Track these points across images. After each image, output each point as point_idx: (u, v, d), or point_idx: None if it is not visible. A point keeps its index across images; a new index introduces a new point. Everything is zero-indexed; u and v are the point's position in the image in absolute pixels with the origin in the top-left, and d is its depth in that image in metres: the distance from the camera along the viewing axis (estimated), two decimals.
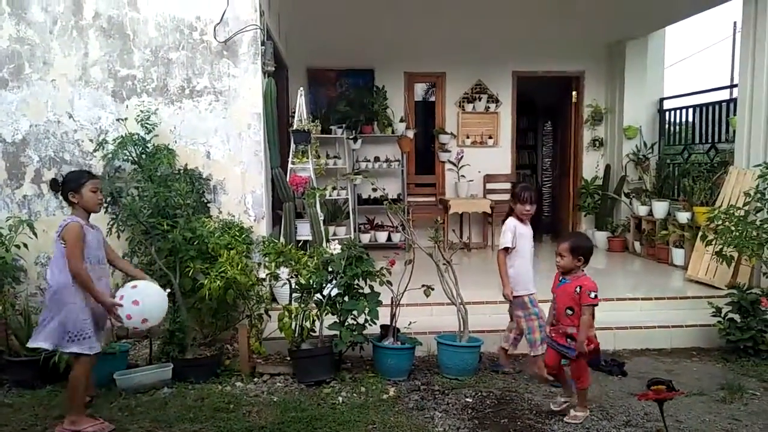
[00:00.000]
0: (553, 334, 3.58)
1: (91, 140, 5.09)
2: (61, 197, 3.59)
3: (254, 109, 5.18)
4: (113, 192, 4.91)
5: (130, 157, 4.89)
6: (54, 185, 3.57)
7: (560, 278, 3.60)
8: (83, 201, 3.50)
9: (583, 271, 3.57)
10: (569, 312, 3.47)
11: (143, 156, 4.88)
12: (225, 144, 5.17)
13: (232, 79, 5.16)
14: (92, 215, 3.64)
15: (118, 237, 4.90)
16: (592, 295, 3.41)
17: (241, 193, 5.19)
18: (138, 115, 4.96)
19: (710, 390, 4.02)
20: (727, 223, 5.09)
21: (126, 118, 5.00)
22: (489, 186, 8.86)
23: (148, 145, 4.93)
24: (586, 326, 3.40)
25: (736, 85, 6.71)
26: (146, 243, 4.68)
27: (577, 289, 3.44)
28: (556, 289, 3.61)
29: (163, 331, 4.38)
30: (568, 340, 3.48)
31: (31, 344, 3.48)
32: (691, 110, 7.97)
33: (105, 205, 4.96)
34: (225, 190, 5.18)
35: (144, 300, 3.50)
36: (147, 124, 4.94)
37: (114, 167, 5.04)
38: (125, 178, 5.02)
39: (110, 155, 4.94)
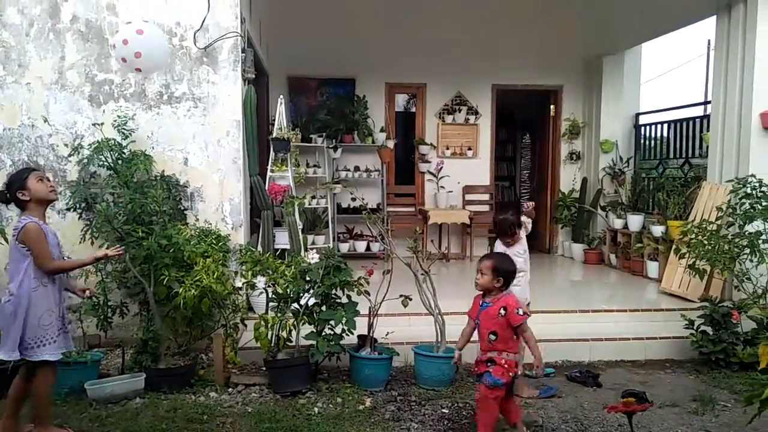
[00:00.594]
0: (474, 366, 3.45)
1: (66, 145, 5.01)
2: (14, 206, 3.36)
3: (233, 117, 5.15)
4: (87, 198, 4.83)
5: (105, 163, 4.83)
6: (2, 197, 3.33)
7: (481, 302, 3.42)
8: (33, 194, 3.28)
9: (502, 291, 3.40)
10: (492, 338, 3.30)
11: (119, 162, 4.82)
12: (203, 151, 5.13)
13: (211, 85, 5.13)
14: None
15: (92, 243, 4.82)
16: (520, 312, 3.28)
17: (219, 200, 5.15)
18: (115, 120, 4.90)
19: (683, 401, 4.07)
20: (699, 237, 5.18)
21: (102, 123, 4.93)
22: (468, 197, 8.91)
23: (125, 150, 4.87)
24: (534, 341, 3.29)
25: (709, 102, 6.86)
26: None
27: (501, 312, 3.28)
28: (478, 315, 3.40)
29: (136, 340, 4.31)
30: (488, 364, 3.31)
31: (3, 357, 3.28)
32: (666, 125, 8.12)
33: (78, 210, 4.89)
34: (202, 197, 5.13)
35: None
36: (124, 129, 4.88)
37: (89, 172, 4.97)
38: (100, 184, 4.94)
39: (85, 160, 4.87)
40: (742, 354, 4.66)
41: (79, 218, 4.90)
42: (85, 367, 4.09)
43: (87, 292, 3.64)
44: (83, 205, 4.85)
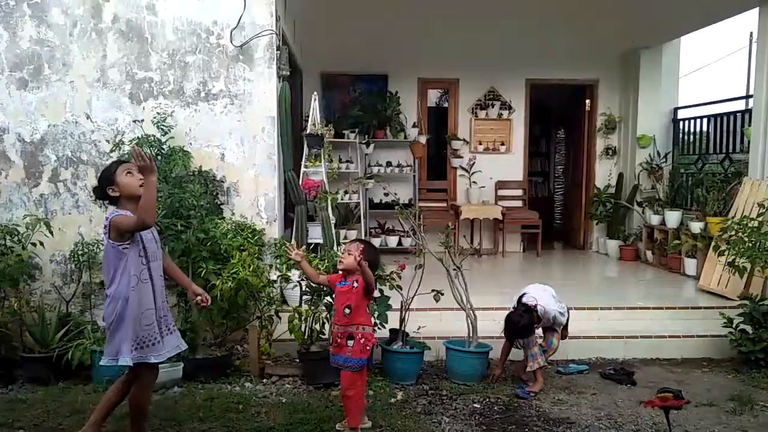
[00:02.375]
0: (333, 350, 3.45)
1: (107, 141, 5.16)
2: (108, 205, 3.13)
3: (268, 113, 5.23)
4: None
5: None
6: (95, 192, 3.15)
7: (338, 281, 3.47)
8: (123, 189, 3.01)
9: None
10: (347, 311, 3.37)
11: (159, 157, 4.94)
12: (239, 147, 5.22)
13: (247, 82, 5.21)
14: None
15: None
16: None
17: (254, 195, 5.24)
18: (154, 117, 5.02)
19: (720, 401, 3.99)
20: (740, 234, 5.05)
21: (142, 120, 5.06)
22: (501, 192, 8.85)
23: (164, 146, 4.99)
24: (368, 272, 3.32)
25: (751, 96, 6.67)
26: (159, 243, 4.73)
27: (354, 284, 3.37)
28: (334, 293, 3.51)
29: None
30: (348, 342, 3.36)
31: (104, 362, 3.04)
32: (705, 120, 7.93)
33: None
34: (238, 192, 5.23)
35: None
36: (163, 126, 5.00)
37: None
38: None
39: (126, 156, 5.01)
40: None
41: None
42: None
43: (200, 297, 3.35)
44: None
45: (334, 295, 3.52)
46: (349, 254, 3.39)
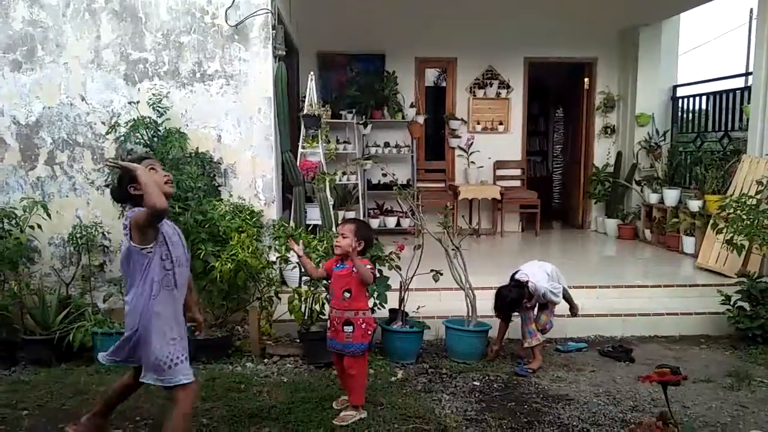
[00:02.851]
0: (330, 335, 3.43)
1: (103, 123, 5.13)
2: (128, 203, 2.76)
3: (265, 94, 5.19)
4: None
5: (142, 140, 4.93)
6: (114, 194, 2.84)
7: (335, 265, 3.45)
8: (148, 184, 2.65)
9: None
10: (347, 295, 3.36)
11: (155, 139, 4.91)
12: (236, 128, 5.19)
13: (242, 63, 5.17)
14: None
15: None
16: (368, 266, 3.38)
17: (252, 176, 5.22)
18: (150, 99, 4.98)
19: (718, 377, 4.03)
20: (738, 212, 5.05)
21: (138, 102, 5.02)
22: (499, 172, 8.84)
23: (160, 128, 4.96)
24: (363, 268, 3.32)
25: (750, 73, 6.63)
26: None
27: (354, 269, 3.35)
28: (331, 278, 3.49)
29: None
30: (345, 328, 3.35)
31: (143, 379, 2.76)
32: (704, 98, 7.89)
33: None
34: (236, 173, 5.21)
35: None
36: (159, 107, 4.96)
37: (126, 150, 5.07)
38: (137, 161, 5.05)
39: (122, 138, 4.98)
40: None
41: None
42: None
43: (198, 328, 3.20)
44: None
45: (331, 280, 3.50)
46: (344, 237, 3.38)
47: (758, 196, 5.29)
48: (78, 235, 4.83)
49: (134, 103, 5.03)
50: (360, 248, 3.40)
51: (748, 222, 4.92)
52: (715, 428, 3.29)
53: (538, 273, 4.25)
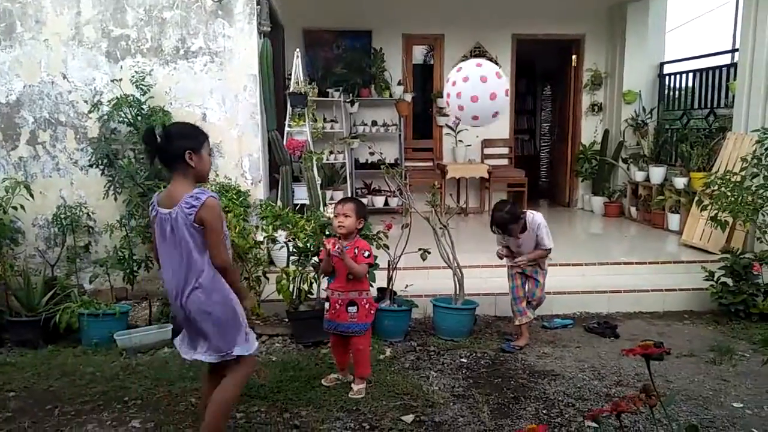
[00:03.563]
0: (329, 316, 3.45)
1: (86, 101, 5.04)
2: (160, 158, 2.57)
3: (250, 71, 5.13)
4: (109, 154, 4.89)
5: (125, 119, 4.86)
6: (151, 139, 2.51)
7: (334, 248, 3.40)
8: (202, 164, 2.57)
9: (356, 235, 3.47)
10: (350, 276, 3.39)
11: (139, 118, 4.85)
12: (221, 106, 5.13)
13: (227, 39, 5.09)
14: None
15: (115, 199, 4.91)
16: (366, 254, 3.42)
17: (238, 156, 5.18)
18: (132, 76, 4.90)
19: (701, 351, 4.10)
20: (723, 189, 5.10)
21: (120, 79, 4.94)
22: (487, 151, 8.83)
23: (144, 106, 4.89)
24: (356, 268, 3.34)
25: (737, 50, 6.64)
26: (143, 205, 4.68)
27: (355, 251, 3.40)
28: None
29: (162, 292, 4.42)
30: (349, 309, 3.39)
31: (190, 356, 2.69)
32: (691, 75, 7.90)
33: (101, 167, 4.96)
34: (222, 153, 5.16)
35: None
36: (142, 85, 4.89)
37: (109, 129, 5.00)
38: (121, 140, 5.00)
39: (105, 117, 4.90)
40: (762, 305, 4.65)
41: (101, 174, 4.97)
42: (114, 318, 4.22)
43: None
44: (105, 161, 4.91)
45: (331, 260, 3.42)
46: (346, 217, 3.39)
47: (743, 173, 5.33)
48: (62, 216, 4.78)
49: (117, 80, 4.95)
50: (360, 227, 3.46)
51: (732, 199, 4.96)
52: (697, 401, 3.36)
53: (537, 214, 4.29)
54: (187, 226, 2.47)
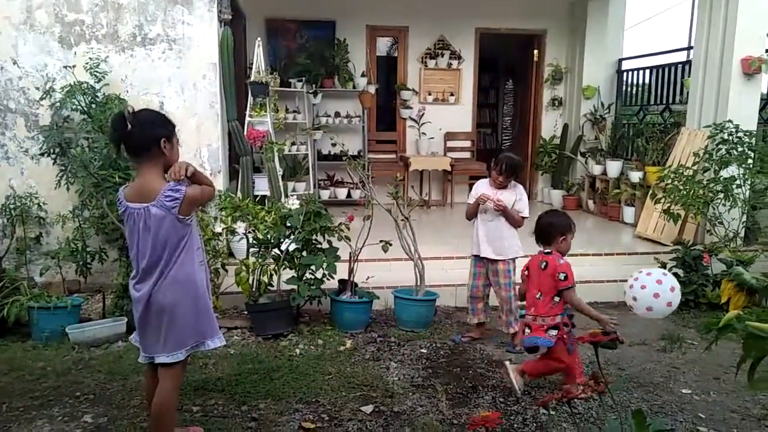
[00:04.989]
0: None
1: (37, 88, 4.87)
2: (129, 145, 2.47)
3: (210, 59, 5.03)
4: (62, 143, 4.74)
5: (79, 107, 4.71)
6: (122, 125, 2.40)
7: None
8: (173, 155, 2.53)
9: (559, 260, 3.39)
10: (556, 299, 3.36)
11: (93, 106, 4.71)
12: (179, 95, 5.02)
13: (186, 26, 4.98)
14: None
15: (68, 189, 4.76)
16: (562, 276, 3.31)
17: (197, 146, 5.09)
18: (86, 63, 4.76)
19: (652, 340, 4.23)
20: (675, 182, 5.26)
21: (74, 66, 4.78)
22: (450, 144, 8.89)
23: (98, 94, 4.76)
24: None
25: (692, 47, 6.83)
26: (97, 196, 4.56)
27: (542, 265, 3.36)
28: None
29: (117, 285, 4.32)
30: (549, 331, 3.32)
31: (160, 359, 2.56)
32: (648, 72, 8.10)
33: (53, 156, 4.80)
34: (180, 142, 5.04)
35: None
36: (97, 72, 4.75)
37: (62, 117, 4.85)
38: (74, 129, 4.85)
39: (58, 104, 4.75)
40: (711, 295, 4.82)
41: (53, 164, 4.81)
42: (66, 312, 4.10)
43: None
44: (57, 150, 4.76)
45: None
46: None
47: (695, 168, 5.51)
48: (12, 206, 4.63)
49: (70, 67, 4.79)
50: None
51: (685, 192, 5.13)
52: (648, 388, 3.47)
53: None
54: (171, 219, 2.43)
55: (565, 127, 8.86)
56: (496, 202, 3.97)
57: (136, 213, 2.45)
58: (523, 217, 4.11)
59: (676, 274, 4.88)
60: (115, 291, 4.39)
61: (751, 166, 5.35)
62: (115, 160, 4.50)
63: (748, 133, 5.37)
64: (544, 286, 3.35)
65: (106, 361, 3.72)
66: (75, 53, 4.90)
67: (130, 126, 2.41)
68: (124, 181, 4.38)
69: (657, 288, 3.24)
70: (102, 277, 4.81)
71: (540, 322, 3.33)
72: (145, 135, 2.44)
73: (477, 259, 4.16)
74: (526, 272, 3.48)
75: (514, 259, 4.10)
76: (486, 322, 4.23)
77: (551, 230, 3.46)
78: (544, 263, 3.36)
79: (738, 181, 5.23)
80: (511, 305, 4.05)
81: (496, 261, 4.07)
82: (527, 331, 3.38)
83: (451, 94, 8.89)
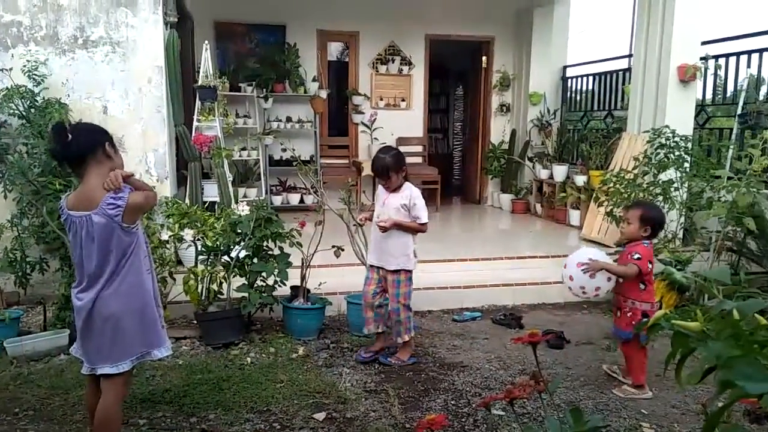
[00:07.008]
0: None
1: None
2: (70, 155, 2.42)
3: (155, 62, 4.93)
4: None
5: (17, 111, 4.53)
6: (61, 133, 2.36)
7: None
8: (118, 159, 2.52)
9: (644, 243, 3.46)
10: (620, 280, 3.48)
11: (32, 110, 4.54)
12: (123, 99, 4.90)
13: (130, 29, 4.86)
14: None
15: (5, 197, 4.57)
16: (636, 256, 3.38)
17: (143, 151, 4.97)
18: (24, 66, 4.58)
19: (597, 339, 4.36)
20: (617, 186, 5.45)
21: (11, 69, 4.60)
22: (402, 149, 8.88)
23: (38, 98, 4.59)
24: (617, 268, 3.44)
25: (632, 55, 7.10)
26: (37, 204, 4.39)
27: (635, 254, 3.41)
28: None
29: (58, 296, 4.17)
30: (617, 313, 3.56)
31: (104, 370, 2.48)
32: (591, 78, 8.37)
33: None
34: (124, 148, 4.91)
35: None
36: (35, 75, 4.58)
37: None
38: (12, 134, 4.67)
39: None
40: None
41: None
42: (4, 325, 3.94)
43: None
44: None
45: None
46: (629, 224, 3.48)
47: (635, 171, 5.72)
48: None
49: (7, 70, 4.61)
50: (646, 234, 3.46)
51: (626, 195, 5.32)
52: (592, 386, 3.57)
53: (416, 188, 4.02)
54: (115, 227, 2.39)
55: (513, 132, 9.06)
56: (388, 223, 3.72)
57: (78, 221, 2.40)
58: (422, 224, 3.85)
59: None
60: (57, 302, 4.23)
61: (687, 169, 5.60)
62: (55, 167, 4.34)
63: (684, 138, 5.62)
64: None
65: (47, 375, 3.58)
66: (12, 55, 4.71)
67: (70, 136, 2.37)
68: (65, 188, 4.24)
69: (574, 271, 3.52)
70: (43, 288, 4.63)
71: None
72: (89, 139, 2.43)
73: (371, 264, 4.01)
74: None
75: (408, 271, 3.84)
76: (386, 331, 3.97)
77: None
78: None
79: (676, 184, 5.46)
80: (400, 316, 3.79)
81: (386, 270, 3.86)
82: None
83: (403, 100, 8.97)
